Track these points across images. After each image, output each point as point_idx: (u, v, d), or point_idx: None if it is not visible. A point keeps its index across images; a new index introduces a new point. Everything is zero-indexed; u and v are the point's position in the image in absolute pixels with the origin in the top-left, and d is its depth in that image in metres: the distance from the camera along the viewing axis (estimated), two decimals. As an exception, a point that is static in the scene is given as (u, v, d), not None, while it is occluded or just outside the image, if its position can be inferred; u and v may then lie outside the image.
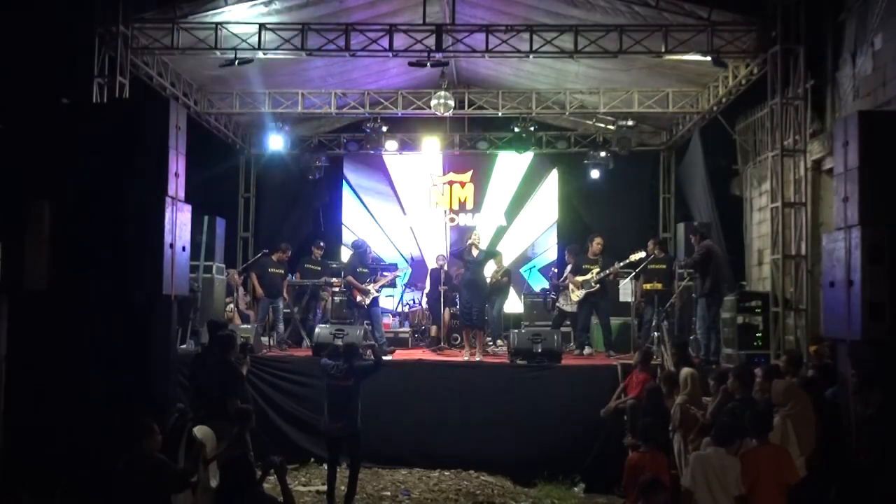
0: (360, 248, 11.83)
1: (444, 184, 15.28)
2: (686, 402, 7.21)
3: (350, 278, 11.32)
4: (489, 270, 11.22)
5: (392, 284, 12.84)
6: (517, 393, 9.58)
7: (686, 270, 10.80)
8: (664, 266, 10.96)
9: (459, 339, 11.44)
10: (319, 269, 12.09)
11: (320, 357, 8.66)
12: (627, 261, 10.85)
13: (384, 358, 10.44)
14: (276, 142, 13.27)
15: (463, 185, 15.25)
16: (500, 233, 14.98)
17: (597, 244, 11.27)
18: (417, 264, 14.75)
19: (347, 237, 14.87)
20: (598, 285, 10.92)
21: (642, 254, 10.84)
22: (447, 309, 11.87)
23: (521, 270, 14.67)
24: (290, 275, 11.96)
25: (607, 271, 10.90)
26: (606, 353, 10.97)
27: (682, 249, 11.81)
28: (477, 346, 10.46)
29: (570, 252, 12.31)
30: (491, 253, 11.05)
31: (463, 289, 10.54)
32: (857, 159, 6.68)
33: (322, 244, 12.44)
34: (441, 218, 15.06)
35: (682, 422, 7.09)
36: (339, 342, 9.48)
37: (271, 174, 15.04)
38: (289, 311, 11.96)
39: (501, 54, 10.21)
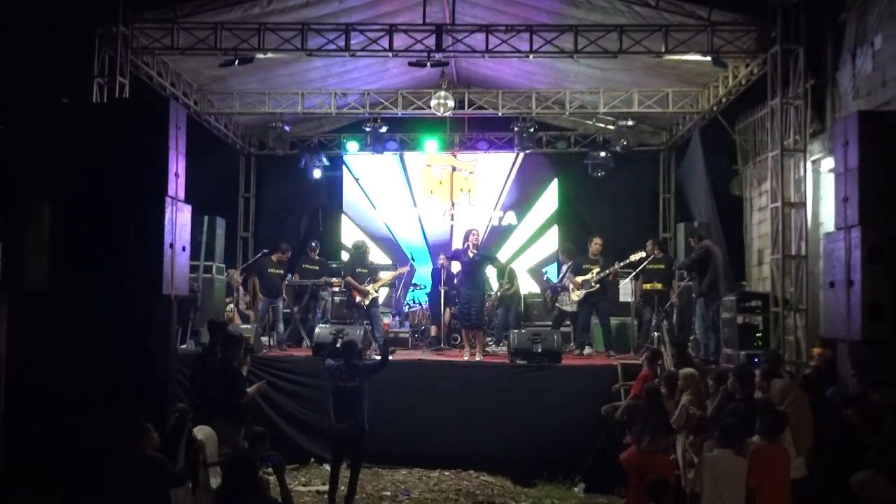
0: (359, 249, 11.83)
1: (443, 166, 15.12)
2: (690, 402, 7.21)
3: (349, 279, 11.32)
4: (491, 276, 11.26)
5: (391, 284, 12.83)
6: (517, 393, 9.58)
7: (684, 271, 10.80)
8: (663, 266, 10.99)
9: (459, 339, 11.44)
10: (318, 268, 12.08)
11: (322, 358, 8.66)
12: (627, 261, 10.87)
13: (376, 357, 10.43)
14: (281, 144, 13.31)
15: (466, 175, 15.12)
16: (507, 233, 15.01)
17: (595, 244, 11.28)
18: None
19: (347, 237, 14.88)
20: (597, 285, 10.93)
21: (642, 254, 10.86)
22: (447, 309, 11.87)
23: (544, 270, 14.63)
24: (289, 275, 11.97)
25: (607, 271, 10.91)
26: (606, 353, 10.97)
27: (683, 250, 11.82)
28: (477, 346, 10.47)
29: (564, 253, 12.29)
30: (489, 256, 11.01)
31: (462, 289, 10.54)
32: (857, 159, 6.69)
33: (314, 244, 12.39)
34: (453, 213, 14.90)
35: (685, 422, 7.08)
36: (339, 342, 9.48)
37: (271, 174, 15.05)
38: (288, 310, 11.96)
39: (501, 54, 10.21)
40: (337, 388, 7.90)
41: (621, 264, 10.91)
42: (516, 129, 13.18)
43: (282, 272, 11.73)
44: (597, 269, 10.99)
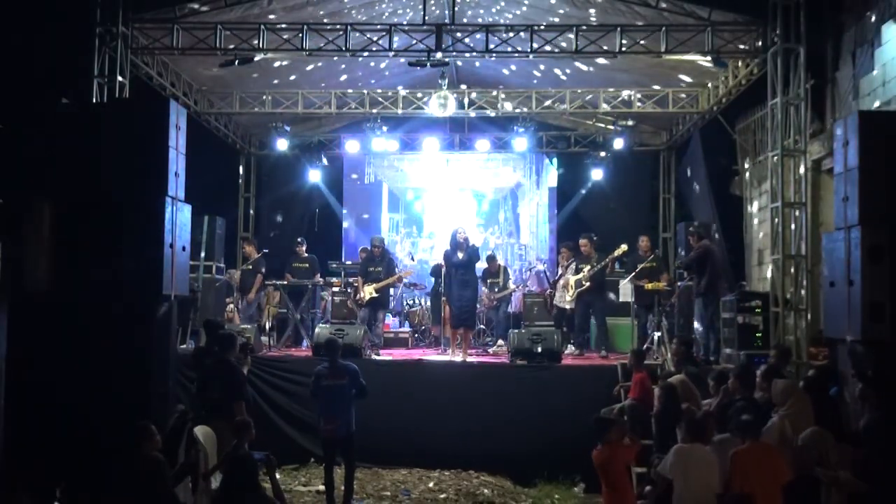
0: (372, 247, 11.71)
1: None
2: (691, 405, 7.20)
3: (359, 278, 11.33)
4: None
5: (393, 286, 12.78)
6: (517, 393, 9.56)
7: (683, 270, 10.79)
8: (655, 265, 10.96)
9: (459, 339, 11.41)
10: (308, 266, 11.99)
11: (322, 359, 8.66)
12: (613, 255, 10.80)
13: (374, 357, 10.42)
14: (281, 144, 13.34)
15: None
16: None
17: (582, 246, 11.22)
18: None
19: (347, 237, 14.89)
20: (588, 283, 10.82)
21: (624, 247, 10.82)
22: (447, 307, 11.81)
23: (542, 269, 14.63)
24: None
25: (600, 265, 10.81)
26: (599, 352, 10.86)
27: (683, 250, 11.80)
28: (463, 346, 10.49)
29: (567, 248, 12.16)
30: (478, 254, 10.96)
31: (454, 288, 10.50)
32: (857, 159, 6.70)
33: (300, 240, 12.31)
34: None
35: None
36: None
37: (271, 174, 15.05)
38: (285, 310, 11.94)
39: (501, 54, 10.21)
40: (323, 387, 7.84)
41: (607, 259, 10.79)
42: (516, 129, 13.18)
43: (251, 268, 11.70)
44: (588, 268, 10.94)
